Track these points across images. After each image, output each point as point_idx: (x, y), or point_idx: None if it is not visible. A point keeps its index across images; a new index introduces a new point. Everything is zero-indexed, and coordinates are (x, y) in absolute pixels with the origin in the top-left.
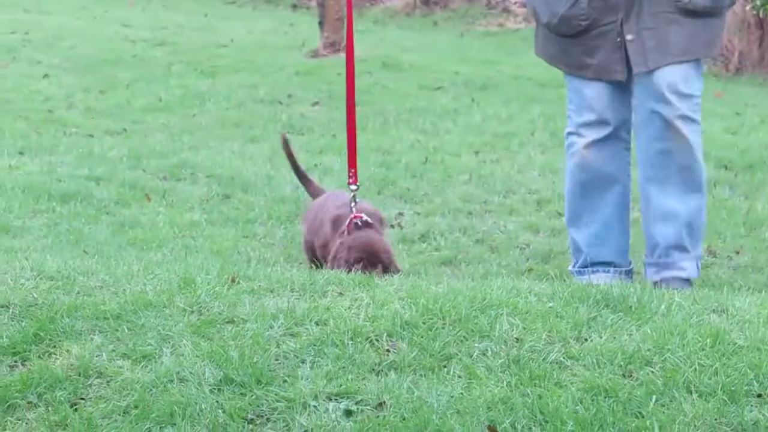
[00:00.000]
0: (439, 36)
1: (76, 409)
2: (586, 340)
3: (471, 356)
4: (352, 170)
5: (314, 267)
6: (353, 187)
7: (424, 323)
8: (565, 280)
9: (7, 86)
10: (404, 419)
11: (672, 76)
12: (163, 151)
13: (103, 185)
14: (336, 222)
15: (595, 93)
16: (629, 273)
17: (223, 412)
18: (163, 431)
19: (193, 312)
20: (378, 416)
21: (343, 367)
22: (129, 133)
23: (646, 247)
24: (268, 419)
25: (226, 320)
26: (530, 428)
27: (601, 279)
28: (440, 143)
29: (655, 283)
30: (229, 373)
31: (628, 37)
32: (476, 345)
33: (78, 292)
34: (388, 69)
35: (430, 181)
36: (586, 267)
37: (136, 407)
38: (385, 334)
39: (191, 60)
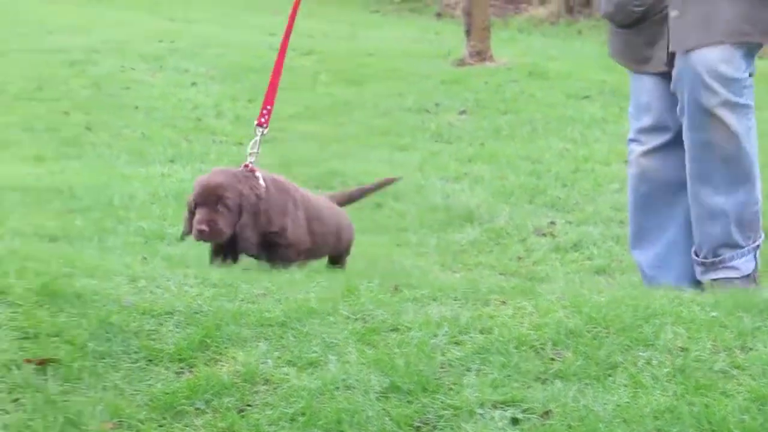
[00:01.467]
0: (583, 44)
1: (243, 415)
2: (751, 349)
3: (636, 365)
4: (267, 108)
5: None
6: (260, 130)
7: (588, 332)
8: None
9: (156, 94)
10: (570, 428)
11: (711, 57)
12: (312, 159)
13: None
14: None
15: (657, 93)
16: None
17: (390, 419)
18: None
19: (357, 319)
20: (544, 424)
21: (509, 376)
22: (277, 141)
23: (694, 243)
24: (434, 427)
25: (391, 328)
26: None
27: None
28: (589, 152)
29: (704, 283)
30: (395, 380)
31: (673, 13)
32: (641, 354)
33: (242, 300)
34: (534, 78)
35: (581, 190)
36: None
37: (303, 414)
38: (549, 343)
39: (337, 68)
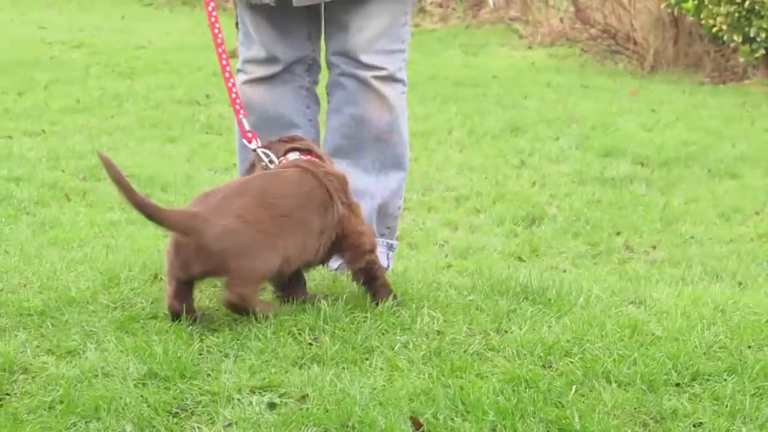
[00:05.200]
0: None
1: (1, 405)
2: (506, 332)
3: (393, 349)
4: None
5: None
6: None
7: (346, 316)
8: (484, 274)
9: None
10: (327, 411)
11: (367, 31)
12: (82, 152)
13: (23, 185)
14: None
15: (262, 26)
16: None
17: (148, 406)
18: (89, 425)
19: (116, 308)
20: (301, 408)
21: (266, 361)
22: (47, 134)
23: None
24: (192, 412)
25: (150, 316)
26: (452, 419)
27: None
28: None
29: (335, 270)
30: (153, 367)
31: None
32: (398, 338)
33: (1, 290)
34: None
35: None
36: None
37: (61, 402)
38: (307, 328)
39: (109, 61)
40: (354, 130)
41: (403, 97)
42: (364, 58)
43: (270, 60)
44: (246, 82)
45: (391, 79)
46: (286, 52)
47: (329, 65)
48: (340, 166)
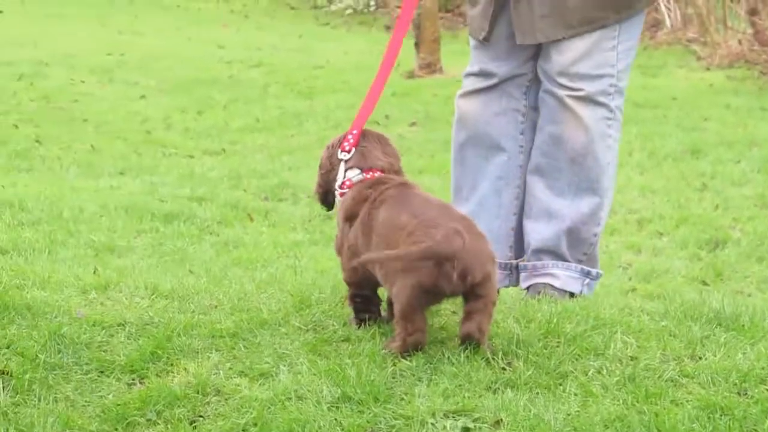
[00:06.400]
0: None
1: (195, 426)
2: (700, 358)
3: (586, 374)
4: (353, 132)
5: None
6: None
7: (538, 341)
8: (676, 300)
9: (105, 107)
10: None
11: (568, 52)
12: (263, 172)
13: (205, 205)
14: None
15: (484, 46)
16: (506, 267)
17: (342, 429)
18: None
19: (308, 330)
20: None
21: (460, 385)
22: (228, 153)
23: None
24: None
25: (342, 339)
26: None
27: None
28: None
29: (527, 289)
30: (346, 390)
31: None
32: (591, 363)
33: (193, 311)
34: None
35: None
36: None
37: (255, 425)
38: (500, 353)
39: (287, 81)
40: (552, 148)
41: (607, 123)
42: (562, 79)
43: (482, 73)
44: (461, 95)
45: (589, 100)
46: (499, 67)
47: (539, 82)
48: (538, 186)
